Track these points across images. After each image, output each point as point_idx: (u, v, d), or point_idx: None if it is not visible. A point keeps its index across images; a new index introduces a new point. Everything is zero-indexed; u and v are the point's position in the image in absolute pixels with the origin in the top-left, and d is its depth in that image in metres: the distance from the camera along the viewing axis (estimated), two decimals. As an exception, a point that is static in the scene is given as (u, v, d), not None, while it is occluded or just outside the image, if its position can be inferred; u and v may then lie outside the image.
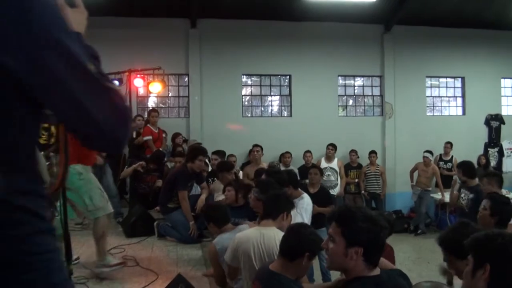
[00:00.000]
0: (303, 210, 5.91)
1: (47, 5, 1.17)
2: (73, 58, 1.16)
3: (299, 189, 6.34)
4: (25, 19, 1.11)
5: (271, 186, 5.29)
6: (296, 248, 3.31)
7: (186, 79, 12.35)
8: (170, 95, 12.60)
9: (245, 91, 12.97)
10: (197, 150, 7.69)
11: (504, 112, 14.17)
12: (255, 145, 10.82)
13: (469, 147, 13.05)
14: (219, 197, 7.04)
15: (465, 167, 7.66)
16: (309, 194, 6.87)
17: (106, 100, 1.21)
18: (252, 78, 13.03)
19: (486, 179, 6.44)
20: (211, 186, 7.91)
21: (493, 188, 6.21)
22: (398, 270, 2.99)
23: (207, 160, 8.87)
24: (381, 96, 13.60)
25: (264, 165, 10.11)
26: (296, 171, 11.53)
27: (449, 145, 12.44)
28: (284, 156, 11.59)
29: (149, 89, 11.09)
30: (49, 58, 1.12)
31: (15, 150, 1.19)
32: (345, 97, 13.61)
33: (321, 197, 7.33)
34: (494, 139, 13.75)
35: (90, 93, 1.17)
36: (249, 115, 12.83)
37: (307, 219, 5.78)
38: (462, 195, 7.35)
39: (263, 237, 3.99)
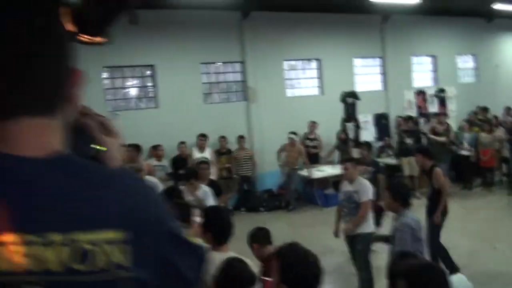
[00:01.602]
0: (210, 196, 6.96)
1: (158, 197, 1.15)
2: (184, 243, 1.15)
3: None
4: (152, 223, 1.06)
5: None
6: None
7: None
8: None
9: (107, 84, 12.57)
10: None
11: (358, 89, 15.13)
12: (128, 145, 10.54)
13: (328, 124, 13.78)
14: None
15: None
16: None
17: (199, 261, 1.21)
18: (113, 70, 12.67)
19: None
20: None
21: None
22: None
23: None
24: (244, 81, 13.92)
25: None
26: (168, 163, 11.52)
27: (313, 123, 13.12)
28: (157, 149, 11.33)
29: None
30: (172, 255, 1.10)
31: None
32: (209, 84, 13.75)
33: (215, 189, 7.66)
34: (350, 114, 14.60)
35: (192, 264, 1.17)
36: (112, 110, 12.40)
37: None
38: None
39: None
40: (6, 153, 0.99)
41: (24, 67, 1.01)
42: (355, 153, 11.99)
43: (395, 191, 5.54)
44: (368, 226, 6.80)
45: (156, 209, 1.09)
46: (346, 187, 7.07)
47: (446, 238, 7.49)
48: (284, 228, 10.21)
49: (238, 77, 14.01)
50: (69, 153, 1.08)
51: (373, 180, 9.05)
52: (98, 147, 1.31)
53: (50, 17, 1.07)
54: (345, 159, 8.03)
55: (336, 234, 7.26)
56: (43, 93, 1.04)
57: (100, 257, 0.97)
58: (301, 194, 12.95)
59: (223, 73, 13.98)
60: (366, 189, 6.84)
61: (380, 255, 6.75)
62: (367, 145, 11.85)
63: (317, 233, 9.60)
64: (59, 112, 1.08)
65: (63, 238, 0.95)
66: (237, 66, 13.97)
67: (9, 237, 0.93)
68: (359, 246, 6.74)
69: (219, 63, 13.88)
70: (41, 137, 1.04)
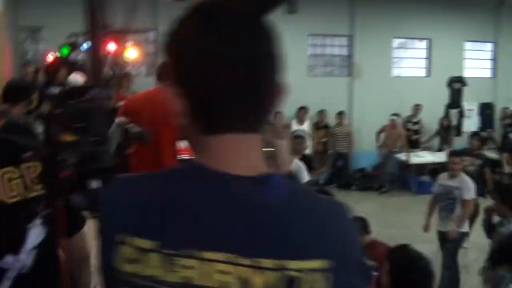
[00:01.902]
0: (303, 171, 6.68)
1: (354, 225, 1.13)
2: (366, 270, 1.12)
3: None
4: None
5: None
6: None
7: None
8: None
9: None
10: None
11: (466, 74, 14.55)
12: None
13: (431, 108, 13.42)
14: None
15: None
16: None
17: (370, 282, 1.18)
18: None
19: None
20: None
21: None
22: None
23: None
24: (349, 56, 13.80)
25: None
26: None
27: (417, 106, 12.90)
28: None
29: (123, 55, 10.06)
30: (358, 282, 1.07)
31: None
32: (314, 56, 13.75)
33: (307, 164, 7.75)
34: (455, 101, 14.11)
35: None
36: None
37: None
38: None
39: None
40: (220, 171, 0.99)
41: (243, 83, 0.99)
42: (458, 142, 11.62)
43: (505, 193, 5.28)
44: (463, 226, 6.57)
45: (354, 239, 1.08)
46: (446, 180, 6.72)
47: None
48: (374, 210, 10.18)
49: (343, 51, 13.90)
50: (273, 173, 1.06)
51: (478, 174, 8.69)
52: (265, 150, 1.34)
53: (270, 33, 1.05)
54: (454, 152, 7.61)
55: (426, 228, 6.98)
56: (255, 109, 1.03)
57: (305, 285, 0.96)
58: (396, 178, 12.79)
59: (328, 46, 13.91)
60: (469, 187, 6.50)
61: (469, 251, 6.64)
62: (478, 135, 11.29)
63: (408, 220, 9.52)
64: (262, 127, 1.06)
65: (273, 264, 0.95)
66: (344, 40, 13.83)
67: (217, 256, 0.95)
68: (449, 244, 6.57)
69: (326, 36, 13.79)
70: (250, 154, 1.03)
